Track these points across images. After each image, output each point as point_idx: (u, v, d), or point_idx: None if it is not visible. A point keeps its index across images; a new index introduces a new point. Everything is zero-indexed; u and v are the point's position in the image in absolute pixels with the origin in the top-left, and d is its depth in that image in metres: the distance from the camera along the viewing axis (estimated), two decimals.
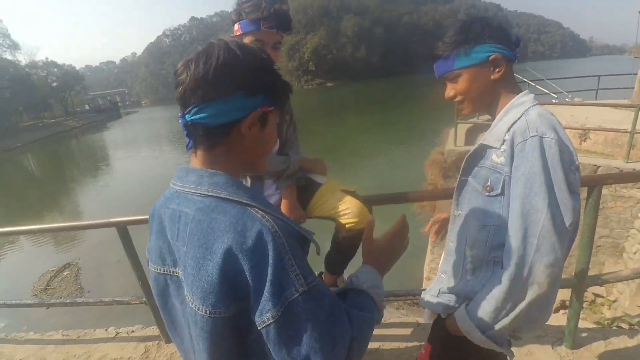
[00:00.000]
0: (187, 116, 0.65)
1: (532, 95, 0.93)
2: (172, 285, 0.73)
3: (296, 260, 0.60)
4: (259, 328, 0.60)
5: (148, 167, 22.92)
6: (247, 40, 1.25)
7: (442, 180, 6.86)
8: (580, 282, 1.63)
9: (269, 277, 0.57)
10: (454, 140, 7.22)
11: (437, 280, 1.10)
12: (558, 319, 2.83)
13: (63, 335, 2.63)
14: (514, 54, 0.91)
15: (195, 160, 0.69)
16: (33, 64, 60.12)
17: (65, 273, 9.73)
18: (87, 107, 75.17)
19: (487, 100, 0.95)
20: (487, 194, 0.91)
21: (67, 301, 2.66)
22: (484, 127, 8.37)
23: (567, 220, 0.80)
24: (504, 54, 0.89)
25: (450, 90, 0.96)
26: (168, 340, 2.36)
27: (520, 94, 0.93)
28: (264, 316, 0.58)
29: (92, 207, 16.80)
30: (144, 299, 2.28)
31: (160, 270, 0.73)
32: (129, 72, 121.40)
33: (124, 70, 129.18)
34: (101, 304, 2.42)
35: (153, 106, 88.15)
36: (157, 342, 2.39)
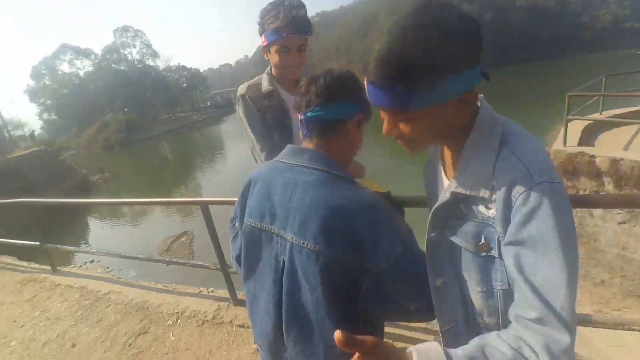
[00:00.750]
0: (308, 113, 0.90)
1: (490, 109, 0.71)
2: (264, 238, 0.90)
3: (395, 217, 0.84)
4: (383, 267, 0.77)
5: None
6: (273, 48, 1.38)
7: None
8: None
9: (386, 227, 0.80)
10: (564, 140, 6.28)
11: None
12: None
13: (163, 286, 3.34)
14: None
15: (310, 144, 0.93)
16: (168, 68, 72.12)
17: (182, 239, 11.67)
18: (208, 103, 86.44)
19: (441, 133, 0.71)
20: (483, 254, 0.68)
21: (166, 259, 3.35)
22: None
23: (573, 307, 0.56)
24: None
25: (392, 127, 0.72)
26: (236, 304, 2.81)
27: (478, 117, 0.69)
28: (394, 250, 0.78)
29: (208, 185, 19.86)
30: (219, 266, 2.76)
31: (256, 225, 0.93)
32: (242, 73, 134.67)
33: (238, 71, 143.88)
34: (188, 265, 3.02)
35: None
36: (227, 303, 2.86)
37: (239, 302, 2.83)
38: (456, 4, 0.60)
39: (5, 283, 4.25)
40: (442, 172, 0.82)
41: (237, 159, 26.63)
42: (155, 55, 66.66)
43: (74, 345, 2.78)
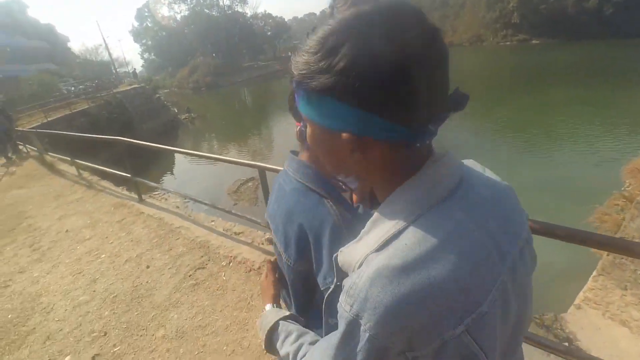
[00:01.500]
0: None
1: (430, 184, 0.49)
2: None
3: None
4: (322, 288, 0.79)
5: None
6: None
7: None
8: None
9: (326, 254, 0.73)
10: None
11: None
12: None
13: (223, 230, 3.72)
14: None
15: (303, 155, 0.93)
16: (255, 16, 73.05)
17: (249, 184, 12.59)
18: (289, 53, 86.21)
19: (349, 171, 0.57)
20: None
21: (227, 209, 3.69)
22: None
23: None
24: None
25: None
26: None
27: (405, 185, 0.51)
28: (327, 280, 0.73)
29: (281, 138, 20.82)
30: (267, 224, 2.97)
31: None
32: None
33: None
34: (244, 218, 3.30)
35: None
36: (274, 256, 3.11)
37: None
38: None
39: (102, 204, 5.09)
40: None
41: None
42: (243, 1, 67.88)
43: (147, 267, 3.30)
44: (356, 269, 0.49)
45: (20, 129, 11.53)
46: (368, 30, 0.42)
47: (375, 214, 0.52)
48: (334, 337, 0.51)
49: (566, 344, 3.03)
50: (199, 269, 3.16)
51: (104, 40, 49.76)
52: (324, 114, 0.48)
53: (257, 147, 19.57)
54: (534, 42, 57.09)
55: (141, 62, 71.79)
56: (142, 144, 4.38)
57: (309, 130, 0.55)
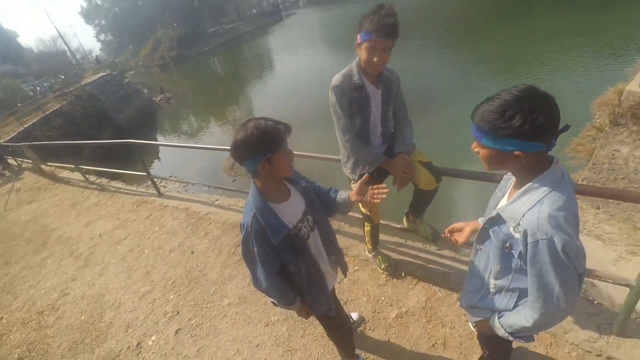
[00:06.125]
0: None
1: (555, 176, 1.01)
2: None
3: (256, 241, 1.35)
4: None
5: (304, 68, 25.72)
6: (363, 46, 1.69)
7: (610, 127, 5.65)
8: (639, 286, 1.68)
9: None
10: None
11: (465, 291, 1.43)
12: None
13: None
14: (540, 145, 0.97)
15: (258, 181, 1.38)
16: None
17: None
18: (254, 10, 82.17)
19: (506, 167, 1.09)
20: (507, 250, 1.13)
21: (225, 187, 4.11)
22: None
23: (573, 297, 1.03)
24: (525, 151, 0.98)
25: (476, 147, 1.11)
26: None
27: (542, 175, 1.02)
28: None
29: (259, 103, 20.70)
30: None
31: None
32: None
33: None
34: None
35: (309, 6, 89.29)
36: None
37: None
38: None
39: (123, 204, 5.40)
40: (507, 194, 1.21)
41: (288, 71, 26.77)
42: None
43: (192, 252, 3.73)
44: (521, 218, 1.03)
45: (5, 143, 11.31)
46: (527, 106, 0.93)
47: (522, 190, 1.05)
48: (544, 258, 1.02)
49: None
50: (238, 246, 3.57)
51: (57, 30, 46.43)
52: (504, 144, 0.99)
53: (237, 117, 19.57)
54: None
55: (98, 45, 67.49)
56: (151, 143, 4.62)
57: (486, 152, 1.06)
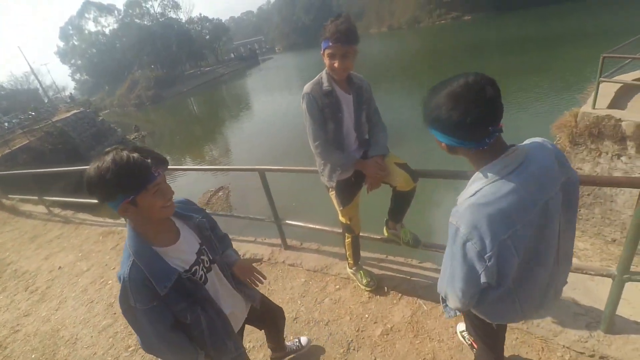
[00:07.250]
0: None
1: (501, 167, 0.96)
2: None
3: (138, 296, 1.10)
4: None
5: (280, 107, 26.58)
6: (325, 53, 1.76)
7: (571, 147, 6.06)
8: (621, 275, 1.67)
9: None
10: (593, 102, 5.92)
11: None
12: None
13: None
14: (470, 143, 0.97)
15: (131, 222, 1.15)
16: (190, 20, 71.02)
17: (220, 193, 12.58)
18: (232, 55, 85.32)
19: (460, 156, 1.08)
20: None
21: (228, 213, 3.90)
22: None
23: (463, 291, 1.04)
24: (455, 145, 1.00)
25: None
26: (286, 248, 3.34)
27: (489, 165, 0.98)
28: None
29: (237, 140, 20.83)
30: (272, 219, 3.26)
31: None
32: (265, 20, 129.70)
33: (261, 18, 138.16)
34: (247, 218, 3.56)
35: (285, 52, 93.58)
36: (279, 247, 3.41)
37: (289, 247, 3.36)
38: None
39: (88, 235, 5.06)
40: None
41: (261, 112, 27.42)
42: (176, 6, 65.80)
43: None
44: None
45: None
46: (448, 102, 0.93)
47: (474, 176, 1.03)
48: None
49: None
50: None
51: (30, 66, 45.82)
52: (438, 136, 1.02)
53: (215, 155, 19.69)
54: (465, 18, 60.40)
55: (73, 84, 67.02)
56: None
57: (443, 146, 1.05)
